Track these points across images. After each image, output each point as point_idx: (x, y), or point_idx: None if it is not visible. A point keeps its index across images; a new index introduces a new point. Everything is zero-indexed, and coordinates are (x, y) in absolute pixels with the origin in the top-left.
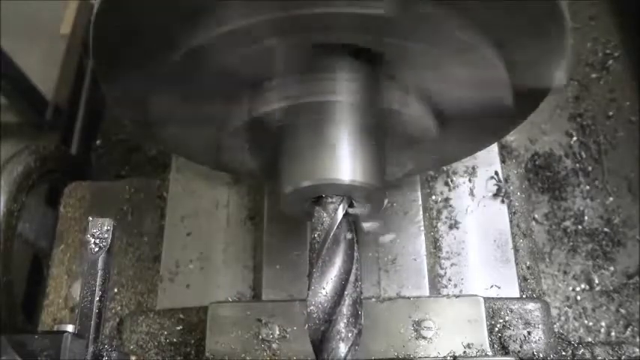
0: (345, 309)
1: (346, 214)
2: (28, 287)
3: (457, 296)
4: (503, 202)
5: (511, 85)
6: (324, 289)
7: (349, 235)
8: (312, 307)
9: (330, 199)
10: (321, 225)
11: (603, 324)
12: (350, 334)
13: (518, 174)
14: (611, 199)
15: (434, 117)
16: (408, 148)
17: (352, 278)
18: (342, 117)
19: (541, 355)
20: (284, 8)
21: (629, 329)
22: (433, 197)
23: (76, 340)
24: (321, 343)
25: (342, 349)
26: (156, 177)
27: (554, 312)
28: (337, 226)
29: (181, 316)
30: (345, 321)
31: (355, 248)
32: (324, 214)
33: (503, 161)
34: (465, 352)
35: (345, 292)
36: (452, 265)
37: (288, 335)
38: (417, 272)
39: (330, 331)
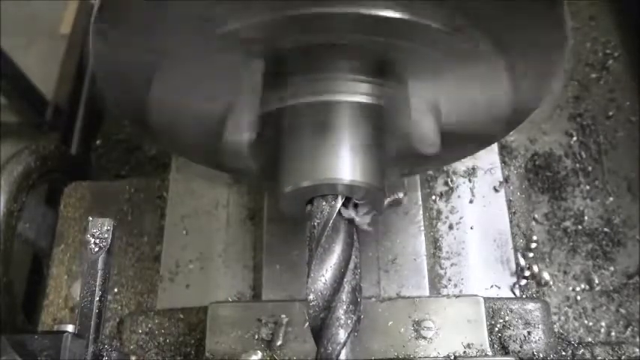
0: (345, 296)
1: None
2: (28, 287)
3: (457, 296)
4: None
5: (510, 85)
6: (323, 276)
7: (348, 223)
8: (311, 295)
9: None
10: (321, 213)
11: (603, 324)
12: (349, 321)
13: (518, 174)
14: (611, 199)
15: (434, 115)
16: (408, 146)
17: (351, 265)
18: (342, 117)
19: (541, 355)
20: (285, 8)
21: (629, 329)
22: (433, 197)
23: (76, 340)
24: (320, 329)
25: (342, 335)
26: (156, 177)
27: (554, 312)
28: (336, 214)
29: (181, 316)
30: (345, 308)
31: (354, 236)
32: (324, 203)
33: (503, 161)
34: (465, 352)
35: (345, 280)
36: (452, 265)
37: (288, 335)
38: (417, 272)
39: (330, 318)
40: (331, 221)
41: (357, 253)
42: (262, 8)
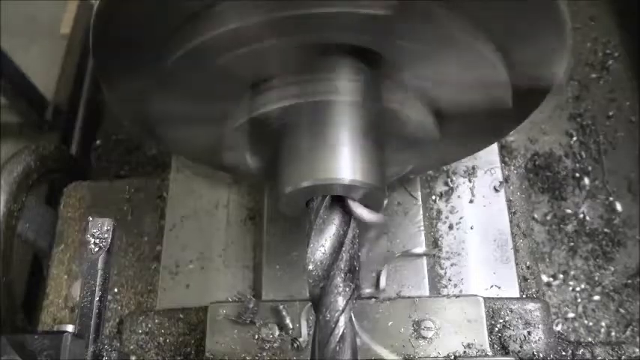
0: (343, 264)
1: None
2: (28, 287)
3: (457, 296)
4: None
5: (510, 84)
6: (322, 246)
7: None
8: (311, 265)
9: None
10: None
11: (603, 324)
12: (347, 289)
13: (518, 174)
14: (611, 199)
15: (433, 116)
16: (408, 147)
17: (350, 235)
18: (342, 117)
19: (541, 355)
20: (283, 8)
21: (629, 329)
22: (433, 197)
23: (76, 340)
24: (320, 298)
25: (340, 302)
26: (156, 177)
27: (554, 312)
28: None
29: (181, 316)
30: (343, 276)
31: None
32: None
33: (503, 161)
34: (465, 352)
35: (343, 249)
36: (452, 265)
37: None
38: (417, 272)
39: (329, 286)
40: (329, 195)
41: (354, 224)
42: (261, 8)
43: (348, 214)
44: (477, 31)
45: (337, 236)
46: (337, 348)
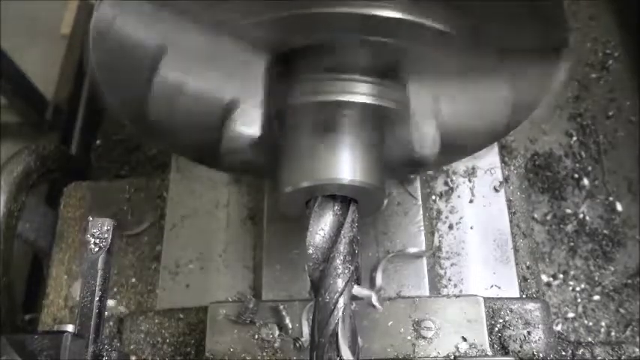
0: (342, 247)
1: None
2: (28, 287)
3: (457, 296)
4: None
5: (510, 85)
6: (322, 230)
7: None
8: (310, 249)
9: None
10: None
11: (603, 324)
12: (347, 271)
13: (518, 174)
14: (611, 199)
15: (434, 117)
16: (408, 147)
17: (349, 219)
18: (343, 117)
19: (541, 355)
20: (288, 8)
21: (629, 329)
22: (433, 197)
23: (76, 340)
24: (319, 280)
25: (339, 284)
26: (156, 177)
27: (554, 312)
28: None
29: (181, 316)
30: (342, 258)
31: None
32: None
33: (503, 161)
34: (465, 352)
35: (342, 232)
36: (452, 265)
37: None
38: (417, 272)
39: (328, 269)
40: None
41: (353, 208)
42: (264, 8)
43: (346, 200)
44: (478, 31)
45: (336, 219)
46: (337, 329)
